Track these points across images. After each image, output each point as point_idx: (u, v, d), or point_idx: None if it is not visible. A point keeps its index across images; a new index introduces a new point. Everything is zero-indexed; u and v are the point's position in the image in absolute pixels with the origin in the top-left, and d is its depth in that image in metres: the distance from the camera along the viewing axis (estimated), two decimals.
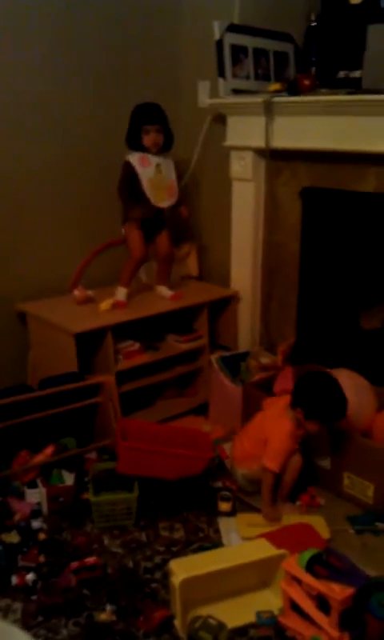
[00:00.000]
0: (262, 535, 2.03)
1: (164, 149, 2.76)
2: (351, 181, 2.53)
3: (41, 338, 2.79)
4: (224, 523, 2.24)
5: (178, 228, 3.09)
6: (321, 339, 2.86)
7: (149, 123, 2.67)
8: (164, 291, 2.98)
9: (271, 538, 1.99)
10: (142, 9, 2.89)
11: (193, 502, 2.34)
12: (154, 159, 2.73)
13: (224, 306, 3.06)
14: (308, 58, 2.82)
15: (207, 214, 3.19)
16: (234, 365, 2.83)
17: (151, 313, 2.82)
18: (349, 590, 1.66)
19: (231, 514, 2.29)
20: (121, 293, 2.85)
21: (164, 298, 2.96)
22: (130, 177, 2.71)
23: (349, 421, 2.33)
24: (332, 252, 2.74)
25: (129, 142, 2.71)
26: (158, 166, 2.73)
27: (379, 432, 2.36)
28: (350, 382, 2.42)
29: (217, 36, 2.61)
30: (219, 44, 2.62)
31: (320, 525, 2.20)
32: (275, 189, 2.80)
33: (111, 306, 2.77)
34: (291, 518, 2.21)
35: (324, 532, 2.16)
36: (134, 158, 2.71)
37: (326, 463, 2.40)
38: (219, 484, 2.44)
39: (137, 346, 2.85)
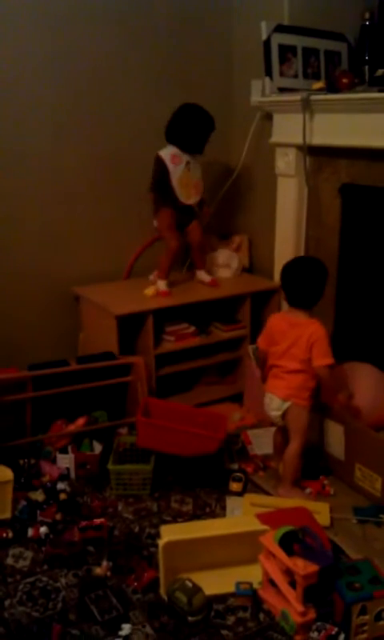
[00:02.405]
0: (258, 514, 2.13)
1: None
2: None
3: (90, 318, 3.02)
4: (231, 501, 2.36)
5: (230, 221, 3.21)
6: (358, 334, 2.88)
7: (213, 130, 2.83)
8: (203, 276, 3.12)
9: (266, 517, 2.08)
10: (197, 10, 3.05)
11: (206, 480, 2.48)
12: (184, 157, 2.85)
13: (268, 298, 3.15)
14: (362, 56, 2.85)
15: (256, 209, 3.29)
16: None
17: (193, 300, 2.96)
18: (312, 567, 1.74)
19: (241, 494, 2.40)
20: (161, 284, 3.00)
21: (204, 282, 3.10)
22: (162, 173, 2.84)
23: (363, 414, 2.38)
24: (370, 248, 2.76)
25: (180, 137, 2.80)
26: (188, 164, 2.85)
27: None
28: (368, 377, 2.46)
29: (264, 36, 2.70)
30: (266, 44, 2.72)
31: (323, 511, 2.27)
32: (317, 185, 2.86)
33: (156, 291, 2.94)
34: (292, 501, 2.29)
35: (325, 518, 2.23)
36: (166, 155, 2.82)
37: (339, 454, 2.45)
38: (235, 466, 2.56)
39: (192, 329, 3.03)
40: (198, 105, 2.81)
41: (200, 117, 2.81)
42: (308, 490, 2.41)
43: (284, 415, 2.35)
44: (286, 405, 2.32)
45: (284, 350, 2.32)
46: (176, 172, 2.84)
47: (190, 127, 2.81)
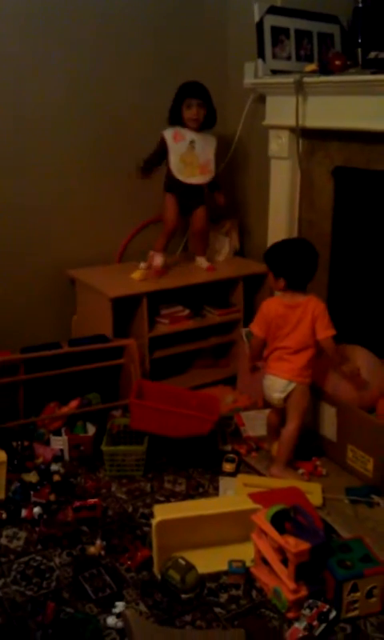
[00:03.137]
0: (251, 494, 2.15)
1: (206, 125, 2.88)
2: (381, 160, 2.55)
3: (85, 301, 3.02)
4: (224, 482, 2.38)
5: (221, 209, 3.21)
6: (350, 317, 2.89)
7: (191, 96, 2.79)
8: (201, 262, 3.13)
9: (259, 497, 2.10)
10: None
11: (199, 461, 2.50)
12: (189, 135, 2.85)
13: (260, 281, 3.15)
14: (354, 39, 2.83)
15: (249, 192, 3.29)
16: None
17: (187, 283, 2.97)
18: (304, 545, 1.76)
19: (234, 474, 2.42)
20: (157, 259, 3.00)
21: (201, 268, 3.10)
22: (159, 149, 2.85)
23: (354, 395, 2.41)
24: (363, 231, 2.77)
25: (170, 116, 2.85)
26: (192, 142, 2.85)
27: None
28: (361, 359, 2.48)
29: (256, 18, 2.69)
30: (259, 26, 2.70)
31: (316, 491, 2.29)
32: (310, 168, 2.85)
33: (143, 275, 2.94)
34: (284, 481, 2.31)
35: (317, 499, 2.25)
36: (169, 133, 2.84)
37: (331, 435, 2.47)
38: (228, 447, 2.58)
39: (186, 312, 3.04)
40: (192, 81, 2.82)
41: (179, 87, 2.81)
42: (301, 471, 2.43)
43: (287, 397, 2.37)
44: (291, 386, 2.34)
45: (288, 331, 2.34)
46: (177, 149, 2.84)
47: (173, 99, 2.84)
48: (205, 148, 2.90)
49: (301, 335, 2.31)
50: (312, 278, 2.36)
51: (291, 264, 2.33)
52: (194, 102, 2.80)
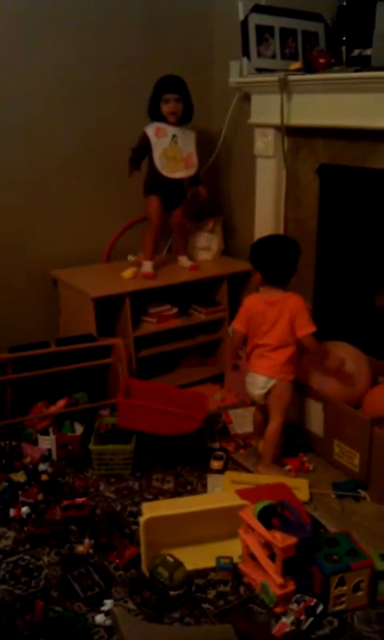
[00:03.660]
0: (238, 490, 2.15)
1: (184, 120, 2.89)
2: (366, 158, 2.56)
3: (68, 301, 3.01)
4: (212, 479, 2.39)
5: (204, 203, 3.21)
6: (336, 315, 2.91)
7: (168, 92, 2.81)
8: (184, 261, 3.14)
9: (246, 493, 2.11)
10: None
11: (187, 459, 2.50)
12: (170, 130, 2.86)
13: (245, 280, 3.16)
14: (339, 37, 2.85)
15: (234, 190, 3.30)
16: None
17: (170, 282, 2.97)
18: (291, 540, 1.77)
19: (221, 472, 2.43)
20: (146, 266, 3.01)
21: (184, 268, 3.11)
22: (141, 145, 2.87)
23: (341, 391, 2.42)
24: (348, 229, 2.78)
25: (149, 112, 2.87)
26: (174, 137, 2.86)
27: (369, 404, 2.41)
28: (346, 355, 2.49)
29: (241, 16, 2.69)
30: (244, 24, 2.71)
31: (302, 487, 2.30)
32: (295, 166, 2.86)
33: (133, 274, 2.95)
34: (272, 477, 2.32)
35: (304, 494, 2.26)
36: (150, 129, 2.86)
37: (318, 430, 2.49)
38: (216, 445, 2.59)
39: (174, 310, 3.04)
40: (169, 75, 2.83)
41: (157, 82, 2.83)
42: (288, 467, 2.44)
43: (267, 394, 2.37)
44: (271, 383, 2.35)
45: (267, 328, 2.34)
46: (159, 144, 2.85)
47: (151, 94, 2.85)
48: (186, 142, 2.91)
49: (280, 332, 2.32)
50: (291, 275, 2.37)
51: (267, 258, 2.34)
52: (172, 97, 2.82)
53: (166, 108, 2.82)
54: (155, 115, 2.87)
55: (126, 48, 3.00)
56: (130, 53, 3.01)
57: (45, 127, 2.90)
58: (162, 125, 2.87)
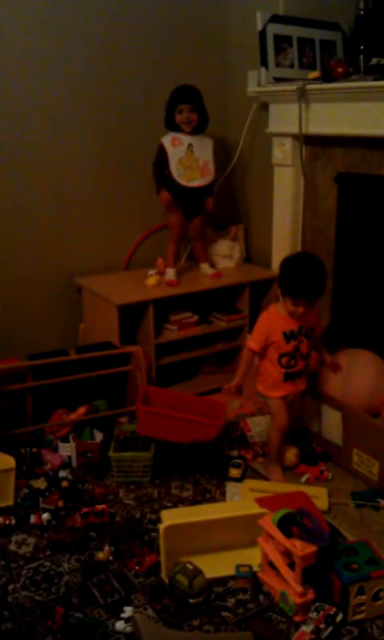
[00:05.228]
0: (257, 499, 2.16)
1: (199, 129, 2.91)
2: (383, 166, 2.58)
3: (92, 309, 3.04)
4: (231, 487, 2.39)
5: (226, 211, 3.23)
6: (354, 323, 2.91)
7: (182, 102, 2.83)
8: (205, 269, 3.16)
9: (265, 501, 2.11)
10: (194, 0, 3.07)
11: (206, 466, 2.51)
12: (186, 139, 2.89)
13: (266, 287, 3.17)
14: (356, 46, 2.86)
15: (252, 199, 3.32)
16: None
17: (193, 290, 2.99)
18: (310, 548, 1.77)
19: (240, 480, 2.43)
20: (169, 273, 3.04)
21: (206, 275, 3.13)
22: (160, 158, 2.90)
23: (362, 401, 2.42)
24: (366, 236, 2.78)
25: (166, 122, 2.90)
26: (189, 146, 2.89)
27: None
28: (367, 364, 2.49)
29: (259, 27, 2.72)
30: (262, 34, 2.73)
31: (321, 495, 2.30)
32: (313, 174, 2.87)
33: (157, 281, 2.97)
34: (291, 486, 2.32)
35: (323, 503, 2.26)
36: (167, 139, 2.89)
37: (336, 439, 2.48)
38: (235, 453, 2.60)
39: (195, 318, 3.06)
40: (183, 85, 2.87)
41: (172, 92, 2.86)
42: (306, 476, 2.44)
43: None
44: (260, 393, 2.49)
45: None
46: (176, 154, 2.88)
47: (167, 104, 2.88)
48: (203, 150, 2.93)
49: None
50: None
51: (314, 282, 2.29)
52: (185, 108, 2.84)
53: (179, 118, 2.85)
54: (171, 125, 2.90)
55: (146, 58, 3.03)
56: (150, 63, 3.05)
57: (69, 140, 2.95)
58: (177, 134, 2.89)
